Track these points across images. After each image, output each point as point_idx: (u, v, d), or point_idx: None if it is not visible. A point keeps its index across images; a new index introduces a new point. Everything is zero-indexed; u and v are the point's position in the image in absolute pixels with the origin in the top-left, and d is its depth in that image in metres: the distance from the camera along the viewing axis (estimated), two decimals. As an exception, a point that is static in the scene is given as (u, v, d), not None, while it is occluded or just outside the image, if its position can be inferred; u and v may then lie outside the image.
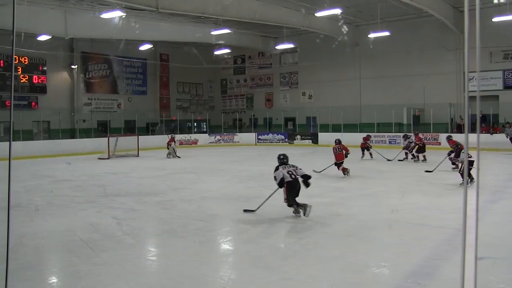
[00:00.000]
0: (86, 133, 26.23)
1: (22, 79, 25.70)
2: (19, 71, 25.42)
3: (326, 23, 24.67)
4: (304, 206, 7.37)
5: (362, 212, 8.09)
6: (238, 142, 28.87)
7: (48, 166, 17.52)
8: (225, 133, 29.91)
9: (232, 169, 15.47)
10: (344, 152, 13.12)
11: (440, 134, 22.88)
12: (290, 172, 7.55)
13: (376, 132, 24.93)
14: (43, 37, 22.96)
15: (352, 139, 24.32)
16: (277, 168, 7.76)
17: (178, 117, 30.30)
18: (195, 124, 33.35)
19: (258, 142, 28.84)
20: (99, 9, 20.50)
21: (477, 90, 15.60)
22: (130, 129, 28.73)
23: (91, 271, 5.16)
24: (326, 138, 26.38)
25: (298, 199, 7.59)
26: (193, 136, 29.06)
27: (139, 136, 22.69)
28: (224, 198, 9.92)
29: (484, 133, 21.61)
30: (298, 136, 28.09)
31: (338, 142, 13.53)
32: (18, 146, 20.57)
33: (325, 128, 27.20)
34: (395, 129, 24.76)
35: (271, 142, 28.40)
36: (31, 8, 19.55)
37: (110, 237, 6.69)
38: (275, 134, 29.00)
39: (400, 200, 9.28)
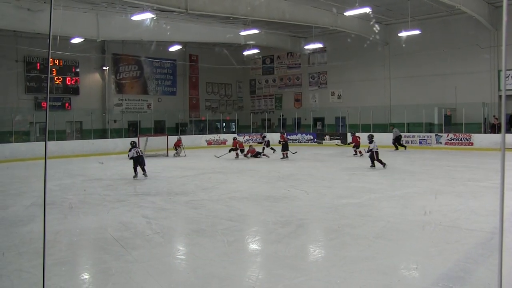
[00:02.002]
0: (117, 133, 26.79)
1: (57, 81, 26.48)
2: (53, 73, 26.20)
3: (355, 22, 24.41)
4: (145, 171, 13.38)
5: (392, 214, 7.96)
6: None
7: (80, 165, 17.97)
8: (253, 133, 29.97)
9: (260, 169, 15.49)
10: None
11: (472, 134, 22.30)
12: (137, 152, 13.33)
13: (407, 132, 24.50)
14: (76, 40, 23.61)
15: (382, 139, 24.01)
16: (130, 150, 13.47)
17: (207, 117, 30.57)
18: (224, 124, 33.57)
19: (286, 142, 28.72)
20: (130, 12, 20.89)
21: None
22: (160, 129, 29.17)
23: (122, 268, 5.26)
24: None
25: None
26: (222, 136, 29.25)
27: (169, 136, 23.02)
28: (253, 198, 9.94)
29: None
30: (327, 136, 27.89)
31: (236, 137, 21.13)
32: (53, 145, 21.19)
33: (355, 128, 26.89)
34: (425, 129, 24.28)
35: (300, 142, 28.30)
36: (65, 12, 20.13)
37: (140, 235, 6.81)
38: (304, 134, 28.88)
39: (432, 201, 9.08)
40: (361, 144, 19.68)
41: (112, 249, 6.05)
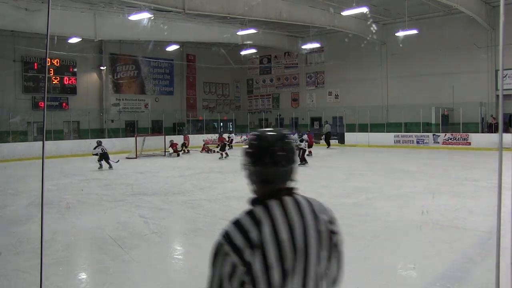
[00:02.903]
0: (115, 133, 26.73)
1: (54, 81, 26.37)
2: (51, 73, 26.09)
3: (352, 22, 24.42)
4: (110, 164, 16.10)
5: (389, 213, 7.97)
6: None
7: (78, 165, 17.93)
8: (251, 133, 29.87)
9: (258, 169, 15.46)
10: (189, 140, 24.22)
11: (470, 134, 22.35)
12: (102, 149, 15.97)
13: (404, 132, 24.53)
14: (73, 40, 23.54)
15: (380, 139, 24.05)
16: (95, 147, 16.19)
17: (204, 117, 30.53)
18: (221, 124, 33.54)
19: (284, 142, 28.67)
20: (127, 12, 20.84)
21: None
22: (157, 129, 29.12)
23: (119, 268, 5.25)
24: (353, 138, 26.14)
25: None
26: (219, 136, 29.20)
27: (166, 136, 22.99)
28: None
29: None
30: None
31: (186, 133, 25.65)
32: (50, 145, 21.11)
33: (352, 128, 26.92)
34: (423, 129, 24.30)
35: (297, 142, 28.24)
36: (63, 12, 20.03)
37: (137, 235, 6.79)
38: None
39: (429, 201, 9.09)
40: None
41: (109, 249, 6.04)
